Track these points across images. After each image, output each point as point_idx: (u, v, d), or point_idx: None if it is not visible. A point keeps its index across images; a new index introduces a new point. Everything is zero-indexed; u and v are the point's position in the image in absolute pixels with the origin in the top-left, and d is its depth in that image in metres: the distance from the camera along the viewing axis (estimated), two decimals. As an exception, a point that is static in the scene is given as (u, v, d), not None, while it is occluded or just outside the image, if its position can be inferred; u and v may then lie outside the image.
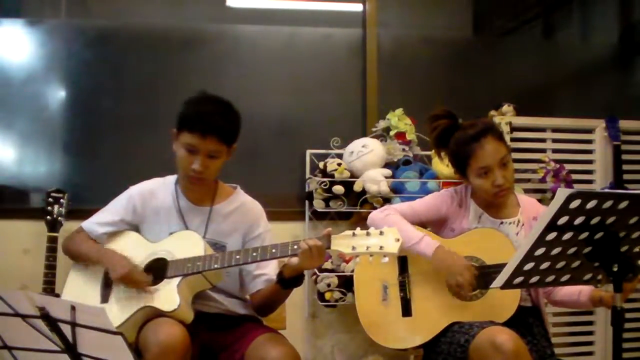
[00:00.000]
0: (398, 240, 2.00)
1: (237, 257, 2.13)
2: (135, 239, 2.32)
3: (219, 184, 2.39)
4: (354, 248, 2.03)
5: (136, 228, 2.34)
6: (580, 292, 2.33)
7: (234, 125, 2.26)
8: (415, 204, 2.50)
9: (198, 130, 2.16)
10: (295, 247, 2.07)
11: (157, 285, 2.16)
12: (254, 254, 2.12)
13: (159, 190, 2.36)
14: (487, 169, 2.32)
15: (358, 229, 2.07)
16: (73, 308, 1.50)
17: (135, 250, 2.26)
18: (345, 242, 2.05)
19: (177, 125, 2.24)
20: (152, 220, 2.32)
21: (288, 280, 2.16)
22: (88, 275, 2.31)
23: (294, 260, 2.09)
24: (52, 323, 1.53)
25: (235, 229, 2.32)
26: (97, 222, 2.36)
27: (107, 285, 2.25)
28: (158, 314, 2.07)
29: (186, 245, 2.19)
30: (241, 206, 2.36)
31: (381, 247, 2.00)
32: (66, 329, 1.53)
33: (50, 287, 2.92)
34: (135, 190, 2.36)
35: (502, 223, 2.42)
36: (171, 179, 2.39)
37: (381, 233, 2.02)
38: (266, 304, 2.32)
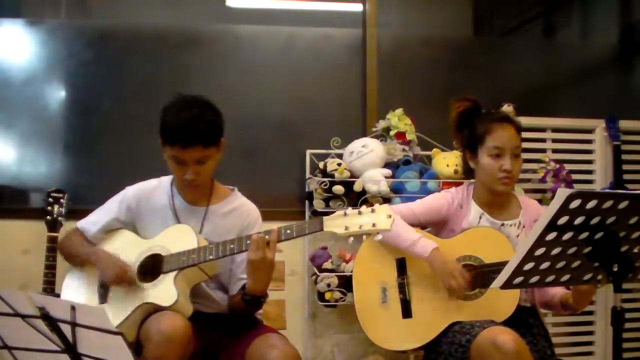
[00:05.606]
0: (390, 216, 1.98)
1: (232, 246, 2.12)
2: (130, 238, 2.32)
3: (215, 184, 2.38)
4: (346, 228, 2.01)
5: (132, 227, 2.35)
6: (554, 295, 2.36)
7: (213, 126, 2.20)
8: (415, 205, 2.49)
9: (178, 143, 2.14)
10: (288, 231, 2.07)
11: (154, 281, 2.16)
12: (248, 241, 2.09)
13: (155, 190, 2.36)
14: (500, 151, 2.33)
15: (350, 208, 2.05)
16: (73, 308, 1.50)
17: (130, 248, 2.26)
18: (337, 222, 2.03)
19: (160, 136, 2.21)
20: (147, 220, 2.32)
21: (248, 298, 2.14)
22: (84, 276, 2.33)
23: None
24: (52, 323, 1.53)
25: (230, 230, 2.30)
26: (91, 222, 2.38)
27: (104, 285, 2.26)
28: (157, 309, 2.08)
29: (179, 238, 2.20)
30: (238, 208, 2.35)
31: (374, 225, 1.98)
32: (66, 329, 1.53)
33: (50, 287, 2.92)
34: (130, 190, 2.37)
35: (502, 225, 2.42)
36: (167, 179, 2.38)
37: (373, 211, 2.00)
38: (238, 311, 2.27)
